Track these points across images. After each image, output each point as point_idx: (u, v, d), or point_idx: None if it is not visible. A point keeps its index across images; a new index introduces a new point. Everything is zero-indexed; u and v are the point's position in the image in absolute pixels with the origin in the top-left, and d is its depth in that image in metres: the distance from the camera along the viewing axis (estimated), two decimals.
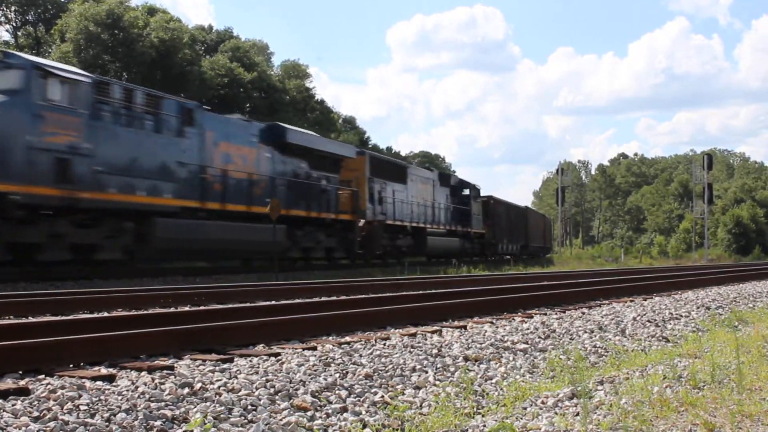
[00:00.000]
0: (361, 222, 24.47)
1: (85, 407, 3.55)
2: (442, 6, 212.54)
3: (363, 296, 9.96)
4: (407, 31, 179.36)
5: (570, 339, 6.80)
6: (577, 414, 3.89)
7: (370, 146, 68.46)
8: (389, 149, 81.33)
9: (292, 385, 4.28)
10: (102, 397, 3.73)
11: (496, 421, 3.80)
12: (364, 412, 3.98)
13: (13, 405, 3.51)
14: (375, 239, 25.30)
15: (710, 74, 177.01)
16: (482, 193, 39.69)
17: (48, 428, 3.22)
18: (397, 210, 27.51)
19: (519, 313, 8.56)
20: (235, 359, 4.99)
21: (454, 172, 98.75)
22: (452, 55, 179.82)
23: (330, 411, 3.93)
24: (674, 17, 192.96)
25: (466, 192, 35.83)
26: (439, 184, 32.80)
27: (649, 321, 8.27)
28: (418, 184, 29.99)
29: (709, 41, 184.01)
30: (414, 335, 6.44)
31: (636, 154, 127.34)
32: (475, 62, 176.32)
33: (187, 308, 8.68)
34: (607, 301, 10.60)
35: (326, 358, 5.08)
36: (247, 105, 45.46)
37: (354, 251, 24.13)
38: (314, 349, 5.53)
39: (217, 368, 4.62)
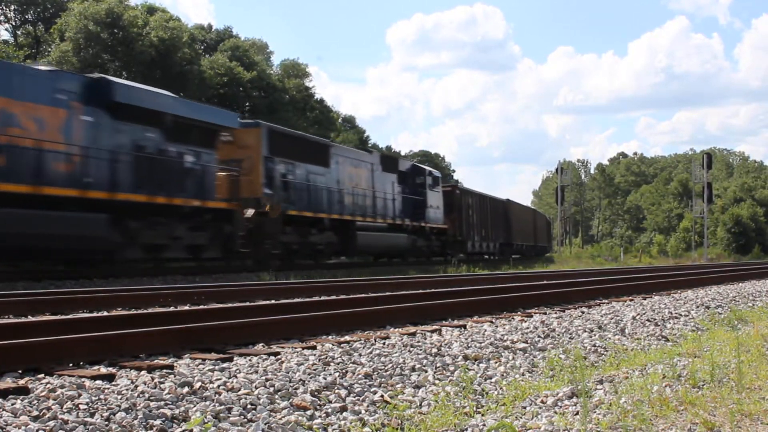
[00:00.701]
0: (249, 212, 19.30)
1: (85, 406, 3.55)
2: (442, 5, 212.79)
3: (362, 295, 9.96)
4: (407, 30, 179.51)
5: (569, 338, 6.80)
6: (577, 413, 3.89)
7: (369, 145, 68.50)
8: (389, 148, 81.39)
9: (291, 384, 4.28)
10: (101, 396, 3.73)
11: (495, 420, 3.80)
12: (363, 411, 3.98)
13: (12, 404, 3.51)
14: (270, 234, 20.03)
15: (710, 73, 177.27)
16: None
17: (47, 427, 3.22)
18: (313, 198, 22.20)
19: (518, 312, 8.56)
20: (235, 358, 4.99)
21: (454, 171, 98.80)
22: (452, 54, 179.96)
23: (329, 410, 3.93)
24: (674, 16, 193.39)
25: (421, 179, 29.85)
26: (381, 169, 26.94)
27: (648, 320, 8.27)
28: (347, 168, 24.42)
29: (709, 40, 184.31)
30: (413, 334, 6.44)
31: (635, 153, 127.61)
32: (475, 61, 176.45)
33: (186, 307, 8.67)
34: (606, 301, 10.60)
35: (326, 358, 5.08)
36: (247, 104, 45.50)
37: (234, 249, 18.68)
38: (314, 348, 5.53)
39: (216, 367, 4.63)
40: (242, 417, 3.64)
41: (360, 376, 4.66)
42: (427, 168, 31.94)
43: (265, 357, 5.06)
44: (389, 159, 29.56)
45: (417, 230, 28.96)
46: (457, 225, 33.00)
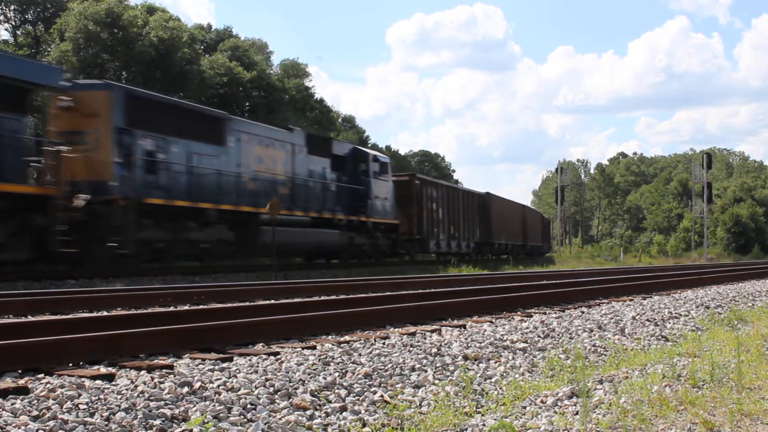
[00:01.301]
0: (79, 200, 14.42)
1: (85, 406, 3.55)
2: (442, 5, 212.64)
3: (362, 295, 9.97)
4: (407, 29, 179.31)
5: (569, 338, 6.80)
6: (577, 413, 3.89)
7: (369, 144, 68.50)
8: (388, 148, 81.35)
9: (291, 384, 4.29)
10: (101, 396, 3.74)
11: (495, 420, 3.80)
12: (363, 411, 3.98)
13: (12, 404, 3.51)
14: (119, 229, 15.11)
15: (710, 73, 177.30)
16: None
17: (47, 427, 3.22)
18: (197, 183, 17.44)
19: (518, 312, 8.57)
20: (235, 358, 4.99)
21: (454, 171, 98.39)
22: (452, 54, 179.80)
23: (329, 410, 3.93)
24: (674, 16, 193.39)
25: (363, 166, 24.85)
26: (307, 151, 22.02)
27: (648, 320, 8.27)
28: (253, 148, 19.69)
29: (710, 40, 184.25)
30: (413, 334, 6.44)
31: (635, 153, 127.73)
32: (475, 61, 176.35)
33: (186, 307, 8.68)
34: (606, 300, 10.61)
35: (325, 357, 5.08)
36: (247, 104, 45.48)
37: (51, 248, 14.30)
38: (313, 348, 5.53)
39: (216, 367, 4.63)
40: (242, 417, 3.64)
41: (360, 376, 4.66)
42: (372, 152, 26.47)
43: (264, 357, 5.06)
44: (319, 140, 23.97)
45: (356, 226, 24.11)
46: (415, 221, 28.07)
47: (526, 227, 45.03)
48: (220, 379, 4.27)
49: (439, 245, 30.26)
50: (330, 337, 6.22)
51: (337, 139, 26.39)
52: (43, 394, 3.71)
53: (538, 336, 6.72)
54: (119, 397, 3.76)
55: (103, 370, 4.47)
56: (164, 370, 4.44)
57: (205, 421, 3.49)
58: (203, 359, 4.91)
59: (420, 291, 10.87)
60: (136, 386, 3.99)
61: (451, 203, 31.83)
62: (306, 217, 21.52)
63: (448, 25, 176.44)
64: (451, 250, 31.55)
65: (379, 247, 25.93)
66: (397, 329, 6.74)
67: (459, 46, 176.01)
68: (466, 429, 3.70)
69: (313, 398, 4.07)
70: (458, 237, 32.45)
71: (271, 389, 4.14)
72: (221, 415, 3.62)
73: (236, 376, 4.37)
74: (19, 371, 4.30)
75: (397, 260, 27.80)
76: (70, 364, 4.57)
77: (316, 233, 21.79)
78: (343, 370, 4.75)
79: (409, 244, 28.13)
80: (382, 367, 4.93)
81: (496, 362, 5.49)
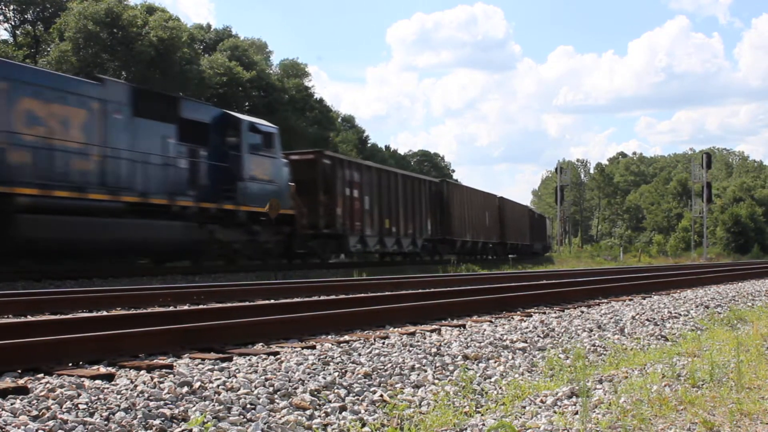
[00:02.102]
0: None
1: (84, 406, 3.55)
2: (442, 4, 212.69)
3: (362, 295, 9.96)
4: (407, 29, 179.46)
5: (569, 338, 6.80)
6: (576, 413, 3.89)
7: (369, 145, 68.51)
8: (388, 147, 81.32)
9: (291, 383, 4.28)
10: (101, 396, 3.73)
11: (495, 419, 3.80)
12: (363, 411, 3.98)
13: (12, 404, 3.51)
14: None
15: (710, 73, 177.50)
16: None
17: (47, 427, 3.22)
18: None
19: (518, 312, 8.56)
20: (234, 358, 4.99)
21: (453, 171, 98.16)
22: (452, 54, 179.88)
23: (329, 410, 3.93)
24: (674, 16, 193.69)
25: (234, 138, 18.55)
26: (132, 112, 15.87)
27: (648, 320, 8.27)
28: (19, 100, 13.60)
29: (710, 40, 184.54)
30: (413, 334, 6.44)
31: (635, 153, 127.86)
32: (475, 61, 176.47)
33: (186, 307, 8.67)
34: (606, 300, 10.60)
35: (325, 357, 5.08)
36: (246, 104, 45.47)
37: None
38: (313, 347, 5.53)
39: (216, 367, 4.62)
40: (242, 417, 3.64)
41: (359, 375, 4.66)
42: (249, 118, 19.69)
43: (264, 357, 5.06)
44: (157, 98, 17.08)
45: (219, 217, 17.97)
46: (322, 211, 21.92)
47: (504, 223, 38.95)
48: (219, 378, 4.26)
49: (364, 243, 24.29)
50: (329, 336, 6.21)
51: (194, 99, 19.15)
52: (42, 394, 3.71)
53: (538, 336, 6.71)
54: (119, 396, 3.76)
55: (102, 369, 4.47)
56: (164, 370, 4.44)
57: (205, 421, 3.49)
58: (203, 359, 4.91)
59: (419, 291, 10.87)
60: (135, 386, 3.99)
61: (384, 191, 25.66)
62: (115, 203, 15.21)
63: (448, 25, 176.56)
64: (385, 248, 25.88)
65: (262, 244, 19.69)
66: (396, 329, 6.74)
67: (459, 45, 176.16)
68: (466, 429, 3.70)
69: (313, 398, 4.07)
70: (397, 233, 26.43)
71: (271, 389, 4.14)
72: (221, 414, 3.62)
73: (236, 376, 4.37)
74: (19, 371, 4.29)
75: (300, 262, 22.03)
76: (70, 364, 4.57)
77: (133, 225, 15.52)
78: (343, 370, 4.75)
79: (315, 241, 22.20)
80: (382, 367, 4.93)
81: (495, 362, 5.49)
